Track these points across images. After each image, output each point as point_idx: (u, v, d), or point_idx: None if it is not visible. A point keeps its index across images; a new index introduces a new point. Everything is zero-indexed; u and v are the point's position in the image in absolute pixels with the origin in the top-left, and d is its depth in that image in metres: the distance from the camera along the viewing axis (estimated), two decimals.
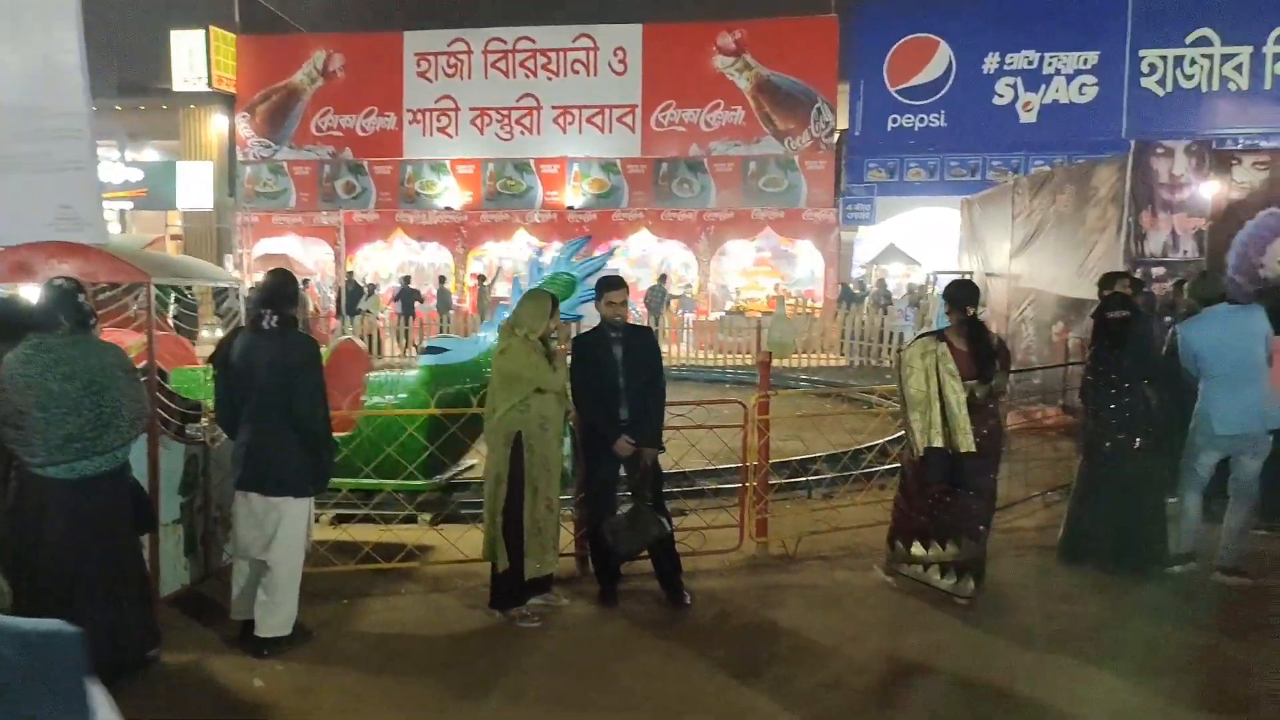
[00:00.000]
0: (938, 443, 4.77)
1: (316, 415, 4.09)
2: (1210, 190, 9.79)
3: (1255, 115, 20.12)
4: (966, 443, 4.74)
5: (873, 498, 6.19)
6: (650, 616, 4.62)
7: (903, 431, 5.03)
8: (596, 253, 14.57)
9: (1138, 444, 5.14)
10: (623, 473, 4.73)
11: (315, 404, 4.08)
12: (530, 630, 4.44)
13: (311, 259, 24.22)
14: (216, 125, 24.46)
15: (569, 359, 4.71)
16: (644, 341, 4.84)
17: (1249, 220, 9.91)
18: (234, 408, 4.08)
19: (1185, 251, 9.86)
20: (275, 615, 4.08)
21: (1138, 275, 8.39)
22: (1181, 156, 9.84)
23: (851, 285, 20.84)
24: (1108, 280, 7.37)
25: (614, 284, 4.79)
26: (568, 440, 4.60)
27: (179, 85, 24.11)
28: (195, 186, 24.08)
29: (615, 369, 4.68)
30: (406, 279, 20.76)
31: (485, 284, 20.69)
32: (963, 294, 5.06)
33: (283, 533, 4.07)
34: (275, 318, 4.05)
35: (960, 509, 4.89)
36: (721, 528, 5.48)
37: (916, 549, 4.96)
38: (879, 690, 3.88)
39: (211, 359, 4.16)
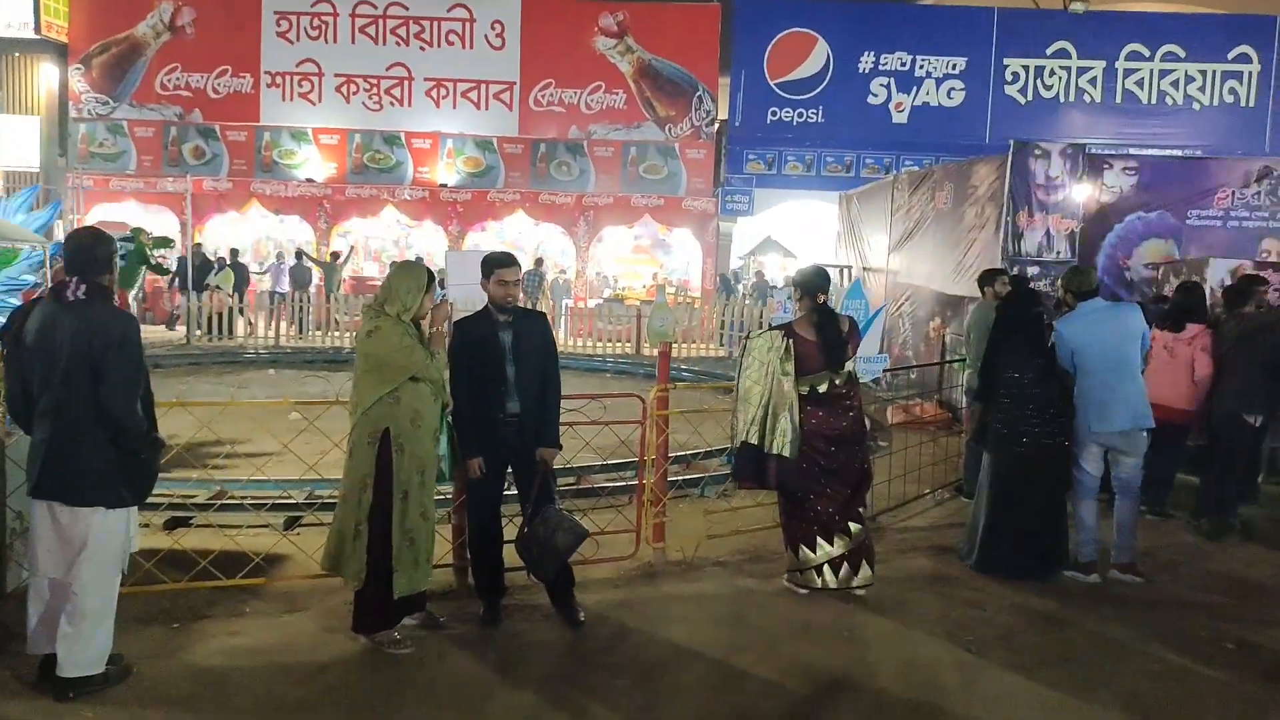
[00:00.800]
0: (753, 439, 4.62)
1: (131, 406, 3.37)
2: (1083, 193, 10.04)
3: (1107, 127, 21.26)
4: (780, 445, 4.58)
5: (770, 496, 5.85)
6: (539, 637, 4.11)
7: None
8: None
9: (1056, 441, 5.03)
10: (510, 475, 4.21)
11: (131, 393, 3.36)
12: (402, 657, 3.85)
13: (156, 228, 22.17)
14: (46, 77, 22.05)
15: (447, 343, 4.13)
16: (536, 327, 4.30)
17: (1117, 223, 10.25)
18: (29, 397, 3.30)
19: (1059, 251, 10.08)
20: (83, 650, 3.35)
21: (1015, 272, 8.45)
22: (1057, 159, 10.05)
23: (730, 275, 20.81)
24: (987, 277, 7.38)
25: (504, 260, 4.24)
26: (444, 437, 4.03)
27: (1, 30, 21.55)
28: (19, 143, 21.65)
29: (502, 357, 4.13)
30: (299, 253, 19.63)
31: (338, 262, 19.44)
32: (814, 281, 4.85)
33: (92, 550, 3.34)
34: (82, 287, 3.30)
35: (838, 499, 4.67)
36: (616, 532, 5.01)
37: (806, 554, 4.70)
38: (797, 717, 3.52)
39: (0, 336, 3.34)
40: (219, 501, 5.71)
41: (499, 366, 4.11)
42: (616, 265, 22.79)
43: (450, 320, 4.31)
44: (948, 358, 11.24)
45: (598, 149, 22.08)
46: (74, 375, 3.23)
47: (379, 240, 22.94)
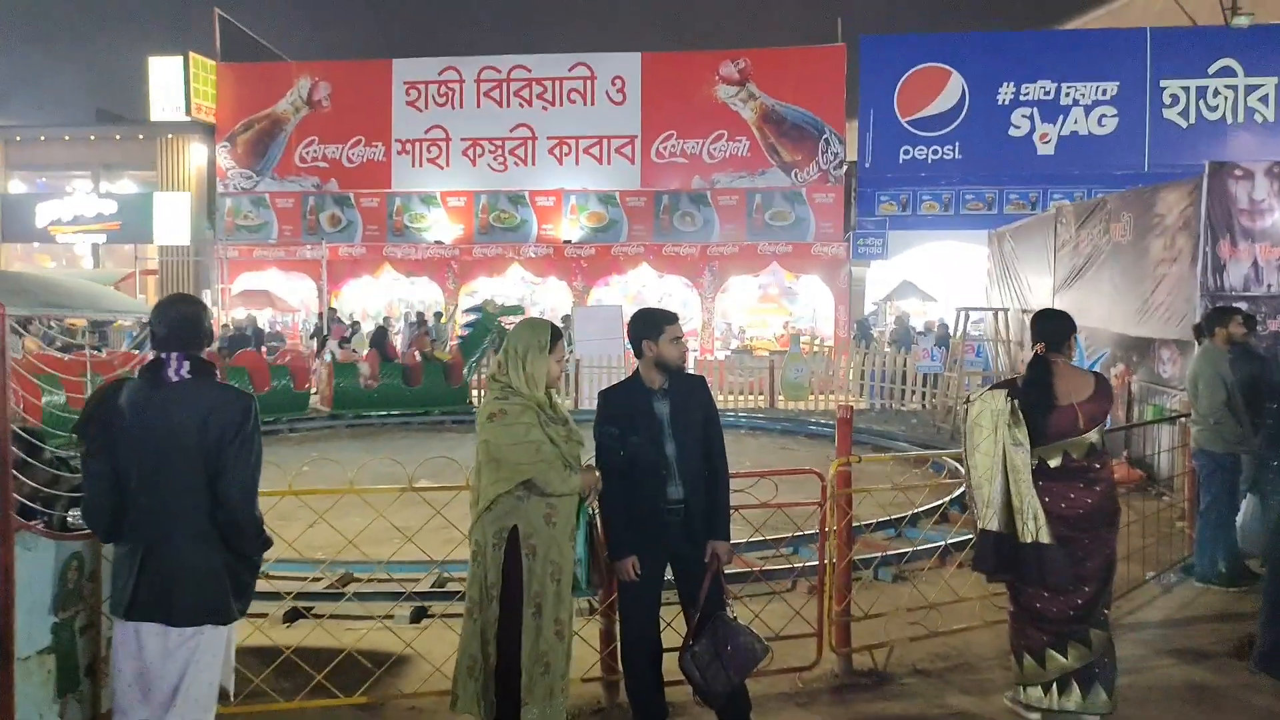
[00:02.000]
0: (992, 525, 3.72)
1: (253, 503, 2.84)
2: None
3: None
4: (1032, 530, 3.63)
5: (971, 584, 4.89)
6: None
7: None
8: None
9: None
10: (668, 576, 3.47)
11: (253, 488, 2.83)
12: None
13: (295, 295, 22.98)
14: (195, 156, 23.31)
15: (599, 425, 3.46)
16: (697, 393, 3.56)
17: None
18: (120, 498, 2.79)
19: (1270, 285, 8.72)
20: None
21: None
22: (1262, 179, 8.73)
23: (867, 321, 19.69)
24: (1218, 317, 6.26)
25: (673, 317, 3.58)
26: (580, 535, 3.29)
27: (157, 114, 23.00)
28: (172, 219, 22.88)
29: (660, 432, 3.44)
30: (420, 315, 19.53)
31: (438, 323, 19.29)
32: (1061, 326, 3.92)
33: (195, 677, 2.78)
34: (186, 364, 2.79)
35: (1078, 598, 3.72)
36: (792, 638, 4.18)
37: (1031, 666, 3.75)
38: None
39: (77, 426, 2.84)
40: (341, 590, 5.20)
41: (657, 444, 3.42)
42: (743, 315, 22.05)
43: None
44: (1136, 408, 9.94)
45: (722, 198, 21.55)
46: (183, 470, 2.72)
47: (505, 299, 22.97)
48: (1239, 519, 5.58)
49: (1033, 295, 12.92)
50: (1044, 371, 3.81)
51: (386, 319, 19.77)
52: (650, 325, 3.51)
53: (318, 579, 5.69)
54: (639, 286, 22.26)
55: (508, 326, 15.23)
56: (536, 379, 3.21)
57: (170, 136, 23.11)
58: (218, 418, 2.77)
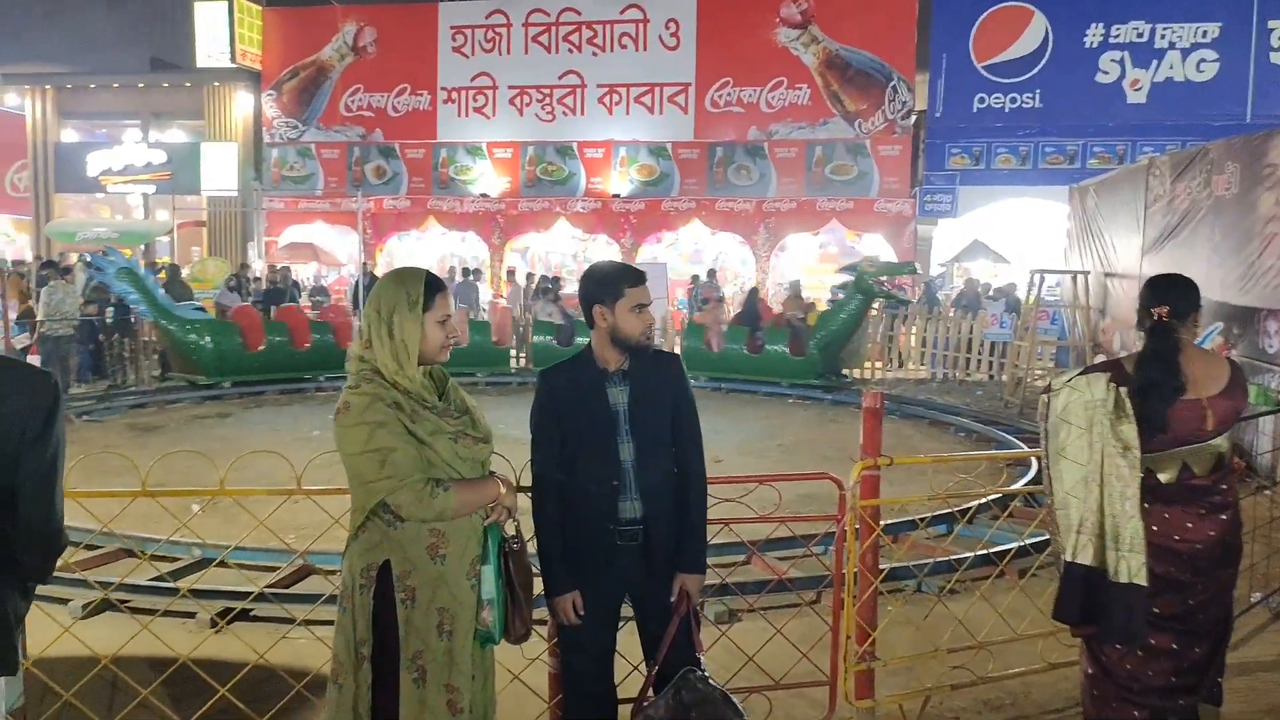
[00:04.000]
0: (1084, 558, 2.73)
1: (59, 517, 2.11)
2: None
3: None
4: (1129, 567, 2.67)
5: (1030, 597, 3.93)
6: None
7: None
8: None
9: None
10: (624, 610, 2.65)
11: (59, 494, 2.10)
12: None
13: (342, 248, 22.53)
14: (242, 104, 22.91)
15: (535, 407, 2.66)
16: (667, 378, 2.70)
17: None
18: None
19: None
20: None
21: None
22: None
23: (936, 284, 18.38)
24: None
25: (636, 276, 2.70)
26: (490, 568, 2.38)
27: (202, 61, 22.58)
28: (220, 169, 22.57)
29: (613, 428, 2.61)
30: (467, 270, 18.61)
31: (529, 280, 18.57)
32: (1190, 295, 2.92)
33: None
34: None
35: (1185, 660, 2.82)
36: (799, 686, 3.32)
37: None
38: None
39: None
40: (284, 591, 4.52)
41: (608, 445, 2.59)
42: (802, 275, 20.88)
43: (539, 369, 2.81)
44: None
45: (779, 150, 20.33)
46: None
47: (557, 255, 22.24)
48: None
49: (1118, 258, 11.65)
50: (1170, 347, 2.84)
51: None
52: (604, 285, 2.63)
53: (273, 568, 5.05)
54: (691, 244, 21.27)
55: (894, 290, 13.24)
56: (408, 350, 2.31)
57: (216, 85, 22.72)
58: (11, 408, 2.02)
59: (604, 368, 2.65)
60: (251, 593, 3.66)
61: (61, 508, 2.13)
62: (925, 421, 10.97)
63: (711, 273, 18.19)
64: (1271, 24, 18.17)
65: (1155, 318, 2.83)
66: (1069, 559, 2.76)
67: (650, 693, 2.64)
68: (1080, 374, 2.86)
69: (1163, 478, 2.80)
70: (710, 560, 2.78)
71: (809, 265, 20.85)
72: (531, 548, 2.63)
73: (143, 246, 22.10)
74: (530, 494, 2.69)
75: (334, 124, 22.48)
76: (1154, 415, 2.76)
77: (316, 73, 22.43)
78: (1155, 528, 2.76)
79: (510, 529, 2.44)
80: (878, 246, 19.96)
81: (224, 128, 22.91)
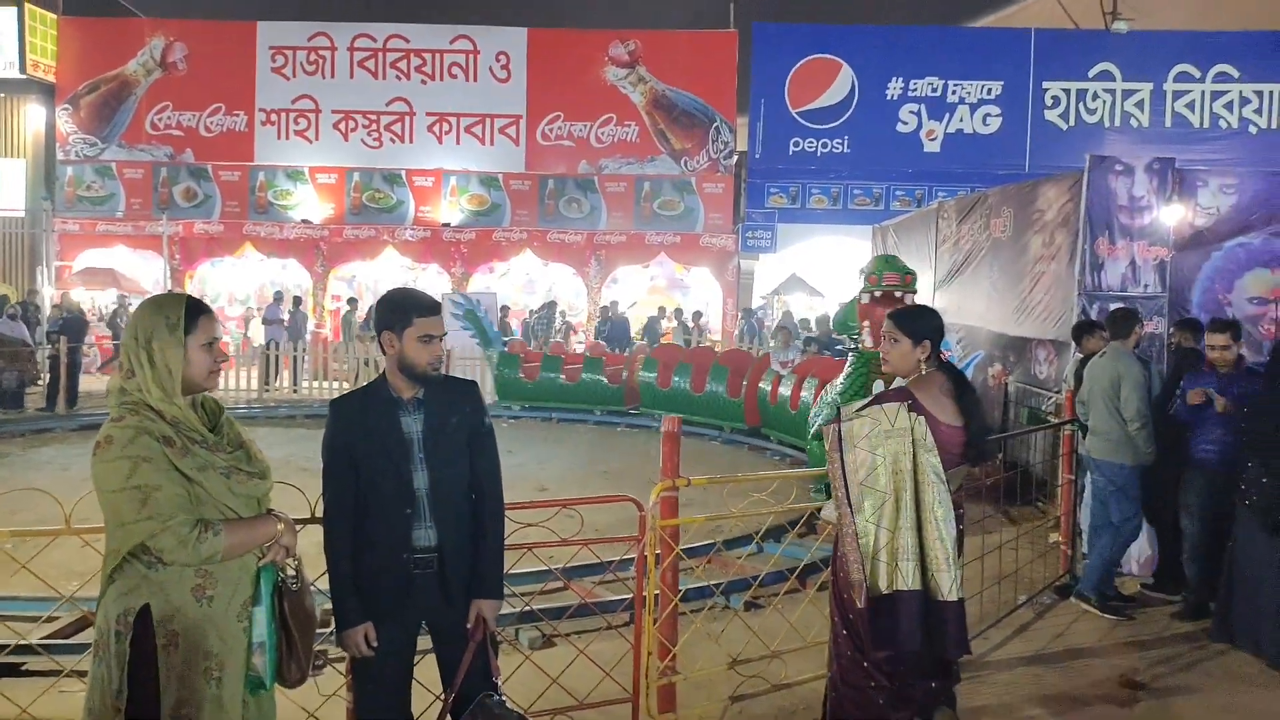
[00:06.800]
0: (908, 583, 2.83)
1: None
2: (1174, 215, 8.45)
3: (1155, 153, 19.70)
4: (950, 583, 2.84)
5: (809, 609, 4.21)
6: None
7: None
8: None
9: None
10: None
11: None
12: None
13: (147, 274, 21.03)
14: (32, 118, 21.08)
15: (329, 437, 2.62)
16: (463, 405, 2.72)
17: (1215, 251, 8.67)
18: None
19: (1147, 284, 8.45)
20: None
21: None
22: (1142, 175, 8.45)
23: (754, 315, 19.23)
24: (1132, 317, 5.98)
25: (429, 305, 2.70)
26: (262, 609, 2.29)
27: None
28: (4, 187, 20.64)
29: (407, 456, 2.61)
30: (297, 299, 18.40)
31: (351, 310, 18.21)
32: (935, 323, 3.15)
33: None
34: None
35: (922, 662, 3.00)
36: (602, 705, 3.41)
37: None
38: None
39: None
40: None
41: (401, 474, 2.59)
42: (632, 307, 21.35)
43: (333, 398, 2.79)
44: (1012, 410, 9.64)
45: (609, 184, 20.77)
46: None
47: (384, 284, 21.66)
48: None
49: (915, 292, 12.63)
50: (957, 376, 3.10)
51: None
52: (395, 313, 2.64)
53: (53, 618, 4.66)
54: (523, 274, 21.32)
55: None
56: (172, 376, 2.22)
57: (2, 96, 20.82)
58: None
59: (397, 395, 2.66)
60: (9, 645, 3.37)
61: None
62: (745, 447, 11.44)
63: (551, 304, 18.51)
64: (1047, 85, 20.36)
65: (943, 356, 3.10)
66: (892, 588, 2.82)
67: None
68: (872, 403, 3.02)
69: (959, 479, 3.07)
70: (521, 587, 2.83)
71: (639, 296, 21.34)
72: (321, 584, 2.59)
73: None
74: (322, 525, 2.65)
75: (139, 142, 21.09)
76: (988, 449, 3.01)
77: (119, 87, 21.00)
78: None
79: (290, 568, 2.39)
80: (704, 279, 20.73)
81: (10, 143, 21.00)
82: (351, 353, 15.55)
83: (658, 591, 3.38)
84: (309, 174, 20.86)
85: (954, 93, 20.49)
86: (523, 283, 21.44)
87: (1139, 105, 20.15)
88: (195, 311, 2.30)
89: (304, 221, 20.55)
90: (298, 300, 18.46)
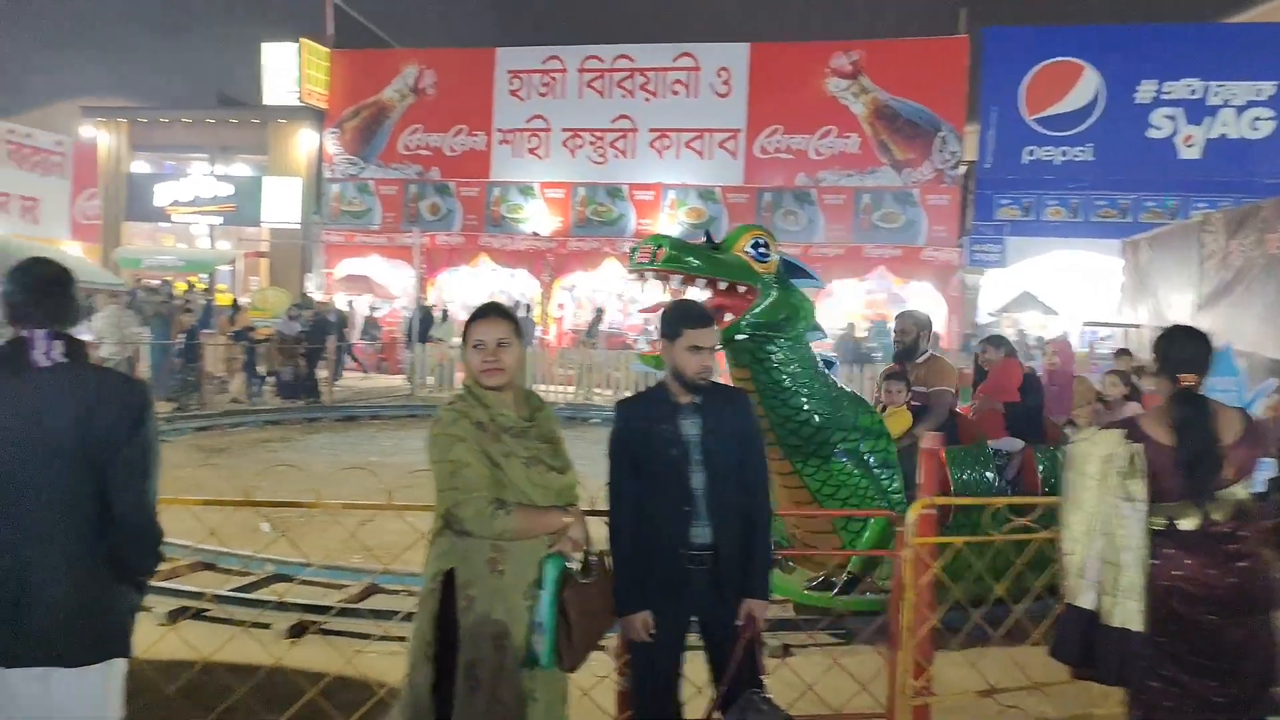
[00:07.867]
0: (1082, 601, 2.85)
1: (154, 509, 2.32)
2: None
3: None
4: (1124, 614, 2.77)
5: None
6: None
7: None
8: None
9: None
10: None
11: (153, 491, 2.31)
12: None
13: (397, 281, 23.10)
14: (306, 141, 23.74)
15: (613, 440, 2.82)
16: (736, 413, 2.88)
17: None
18: None
19: None
20: None
21: None
22: None
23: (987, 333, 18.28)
24: None
25: (699, 317, 2.89)
26: (546, 594, 2.50)
27: (269, 99, 23.52)
28: (282, 203, 23.36)
29: (685, 459, 2.77)
30: (527, 307, 19.59)
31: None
32: (1185, 351, 2.93)
33: None
34: (58, 345, 2.24)
35: (1216, 706, 2.81)
36: (858, 716, 3.42)
37: None
38: None
39: None
40: (354, 605, 4.71)
41: (680, 473, 2.76)
42: (847, 322, 20.95)
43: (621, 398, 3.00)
44: None
45: (827, 196, 20.54)
46: (55, 480, 2.21)
47: (603, 294, 22.56)
48: None
49: (1171, 312, 11.61)
50: (1206, 413, 2.92)
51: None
52: (669, 324, 2.85)
53: (344, 585, 5.26)
54: None
55: None
56: (470, 370, 2.61)
57: (282, 122, 23.59)
58: (106, 412, 2.24)
59: (675, 400, 2.84)
60: (330, 608, 3.85)
61: (153, 501, 2.33)
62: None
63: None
64: None
65: (1181, 384, 2.92)
66: (1070, 601, 2.89)
67: (716, 714, 2.77)
68: (1099, 429, 3.01)
69: (1184, 525, 2.88)
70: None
71: (854, 311, 20.91)
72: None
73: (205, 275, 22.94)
74: (608, 516, 2.85)
75: (392, 161, 23.18)
76: (1203, 487, 2.86)
77: (378, 112, 23.21)
78: (1176, 573, 2.84)
79: (577, 562, 2.60)
80: (924, 294, 20.00)
81: (287, 163, 23.73)
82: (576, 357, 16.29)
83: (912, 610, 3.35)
84: (538, 189, 22.09)
85: (1216, 95, 18.65)
86: None
87: None
88: (471, 319, 2.67)
89: (533, 234, 21.79)
90: (527, 308, 19.60)
